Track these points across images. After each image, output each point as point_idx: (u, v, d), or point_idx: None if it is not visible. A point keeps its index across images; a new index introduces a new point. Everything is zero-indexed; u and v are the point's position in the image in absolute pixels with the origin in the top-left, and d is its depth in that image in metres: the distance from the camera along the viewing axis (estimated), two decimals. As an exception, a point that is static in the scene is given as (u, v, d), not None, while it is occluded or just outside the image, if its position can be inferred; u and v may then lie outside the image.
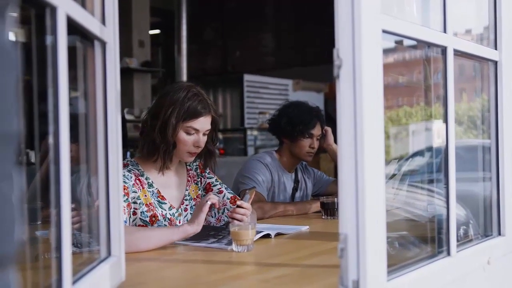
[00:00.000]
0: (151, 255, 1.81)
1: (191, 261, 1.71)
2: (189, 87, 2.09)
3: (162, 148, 2.04)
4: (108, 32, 1.28)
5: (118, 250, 1.30)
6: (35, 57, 0.99)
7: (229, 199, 2.23)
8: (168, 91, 2.08)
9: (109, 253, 1.29)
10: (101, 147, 1.27)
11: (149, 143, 2.07)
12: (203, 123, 2.07)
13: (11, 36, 0.57)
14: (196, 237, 1.96)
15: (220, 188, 2.26)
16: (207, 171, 2.29)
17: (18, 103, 0.56)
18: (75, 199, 1.07)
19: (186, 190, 2.20)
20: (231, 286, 1.40)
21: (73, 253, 0.99)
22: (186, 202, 2.19)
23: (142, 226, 2.03)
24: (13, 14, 0.59)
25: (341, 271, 1.10)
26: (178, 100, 2.03)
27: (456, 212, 1.47)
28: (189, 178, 2.23)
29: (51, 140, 0.93)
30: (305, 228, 2.23)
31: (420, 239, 1.61)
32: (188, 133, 2.06)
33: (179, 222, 2.13)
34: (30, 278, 1.06)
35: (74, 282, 1.02)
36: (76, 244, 1.21)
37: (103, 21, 1.26)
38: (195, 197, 2.23)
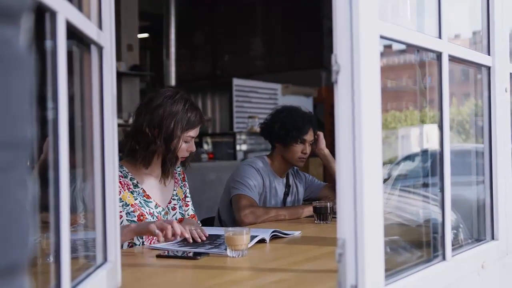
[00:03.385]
0: (146, 261, 1.80)
1: (186, 267, 1.70)
2: (182, 97, 2.17)
3: (168, 158, 2.14)
4: (105, 36, 1.27)
5: (114, 256, 1.30)
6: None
7: (189, 215, 2.35)
8: (163, 102, 2.13)
9: (105, 259, 1.28)
10: (97, 151, 1.27)
11: (150, 153, 2.13)
12: (197, 131, 2.22)
13: (26, 43, 0.57)
14: (193, 244, 1.95)
15: (189, 201, 2.39)
16: (186, 181, 2.40)
17: (32, 110, 0.55)
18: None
19: (174, 190, 2.30)
20: (227, 291, 1.40)
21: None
22: (174, 202, 2.27)
23: None
24: (27, 21, 0.58)
25: (339, 276, 1.10)
26: (178, 112, 2.13)
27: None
28: (176, 180, 2.33)
29: (50, 145, 0.92)
30: (297, 233, 2.23)
31: (412, 243, 1.61)
32: (186, 142, 2.17)
33: None
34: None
35: (72, 288, 1.01)
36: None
37: (99, 26, 1.26)
38: (182, 198, 2.33)
